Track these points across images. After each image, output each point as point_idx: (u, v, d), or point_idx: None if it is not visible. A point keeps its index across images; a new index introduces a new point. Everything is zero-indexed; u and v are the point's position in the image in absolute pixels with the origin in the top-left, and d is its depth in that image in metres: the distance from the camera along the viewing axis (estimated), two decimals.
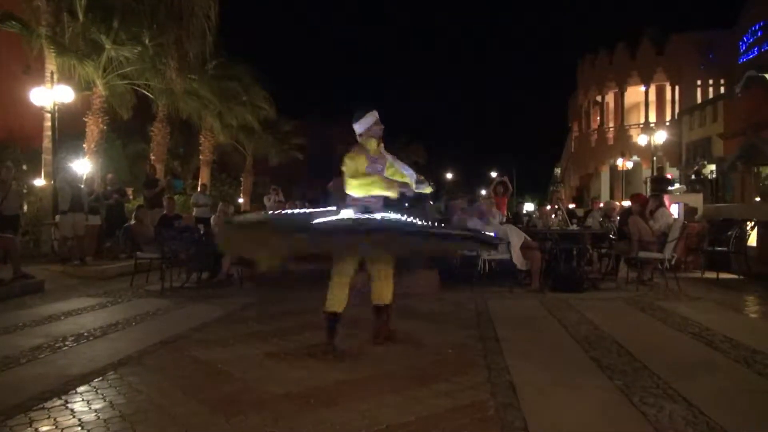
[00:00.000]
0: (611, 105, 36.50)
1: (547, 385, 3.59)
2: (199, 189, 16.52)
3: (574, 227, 9.26)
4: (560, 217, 9.21)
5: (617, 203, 15.37)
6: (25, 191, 12.74)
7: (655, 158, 25.91)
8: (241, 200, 24.73)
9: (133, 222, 9.15)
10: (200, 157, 22.22)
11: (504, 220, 9.22)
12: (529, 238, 7.93)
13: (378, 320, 4.70)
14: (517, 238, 7.82)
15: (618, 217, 9.86)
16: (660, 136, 25.90)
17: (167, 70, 14.69)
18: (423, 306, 6.61)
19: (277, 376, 3.85)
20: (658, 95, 34.08)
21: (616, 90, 34.86)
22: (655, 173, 24.24)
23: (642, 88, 33.86)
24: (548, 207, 12.08)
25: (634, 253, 7.99)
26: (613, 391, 3.48)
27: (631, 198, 9.64)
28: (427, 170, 31.77)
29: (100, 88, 14.09)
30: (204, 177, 21.31)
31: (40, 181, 13.39)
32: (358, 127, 4.53)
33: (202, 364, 4.16)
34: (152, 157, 17.79)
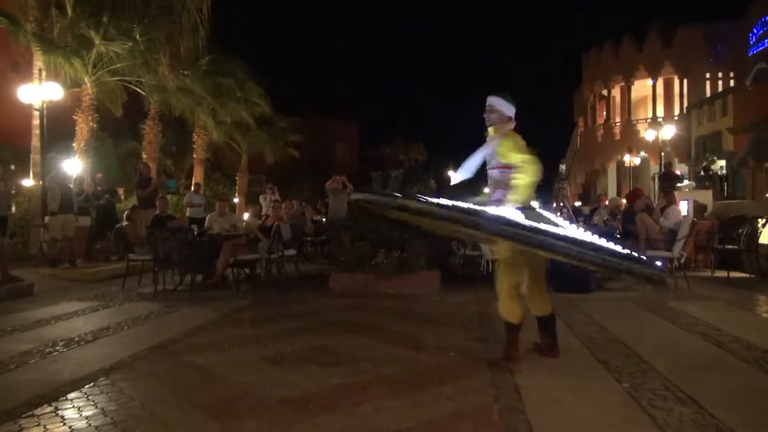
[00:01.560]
0: (618, 99, 36.50)
1: (552, 388, 3.60)
2: (192, 188, 16.51)
3: (580, 225, 9.25)
4: (565, 215, 9.21)
5: (623, 200, 15.38)
6: (13, 191, 12.74)
7: (663, 154, 25.90)
8: (236, 200, 24.73)
9: (125, 223, 9.16)
10: (193, 155, 22.21)
11: None
12: None
13: (544, 332, 4.43)
14: None
15: (622, 215, 9.87)
16: (668, 131, 25.90)
17: (159, 65, 14.67)
18: (423, 307, 6.61)
19: (274, 380, 3.84)
20: (666, 89, 34.08)
21: (623, 84, 34.86)
22: (663, 169, 24.23)
23: (649, 82, 33.85)
24: (553, 204, 12.07)
25: (640, 252, 7.98)
26: (620, 394, 3.48)
27: (628, 196, 9.64)
28: (426, 168, 31.81)
29: (88, 86, 14.07)
30: (198, 176, 21.29)
31: (28, 182, 13.40)
32: (510, 110, 4.14)
33: (196, 368, 4.16)
34: (144, 156, 17.78)
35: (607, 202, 12.03)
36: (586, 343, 4.74)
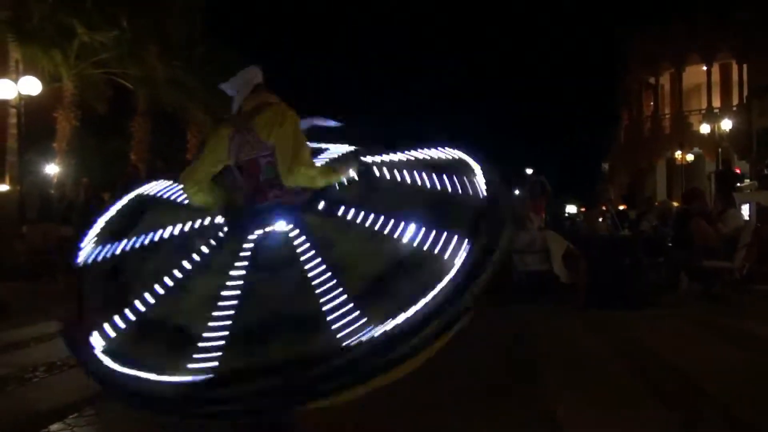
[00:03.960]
0: (667, 88, 36.21)
1: (594, 417, 3.56)
2: None
3: (626, 232, 9.19)
4: (609, 221, 9.16)
5: (674, 203, 15.23)
6: None
7: (720, 150, 25.65)
8: None
9: None
10: (187, 155, 22.40)
11: (542, 225, 9.18)
12: (572, 246, 7.88)
13: None
14: (558, 246, 7.78)
15: (674, 220, 9.78)
16: (726, 124, 25.66)
17: (147, 56, 14.85)
18: None
19: None
20: (722, 75, 33.75)
21: (673, 70, 34.59)
22: (720, 167, 23.98)
23: (703, 68, 33.55)
24: (594, 209, 12.01)
25: (696, 262, 7.91)
26: (672, 426, 3.44)
27: (685, 196, 9.53)
28: None
29: (67, 81, 14.24)
30: None
31: (3, 186, 13.59)
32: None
33: None
34: (133, 157, 17.97)
35: (656, 205, 11.94)
36: (633, 367, 4.70)
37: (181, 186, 3.12)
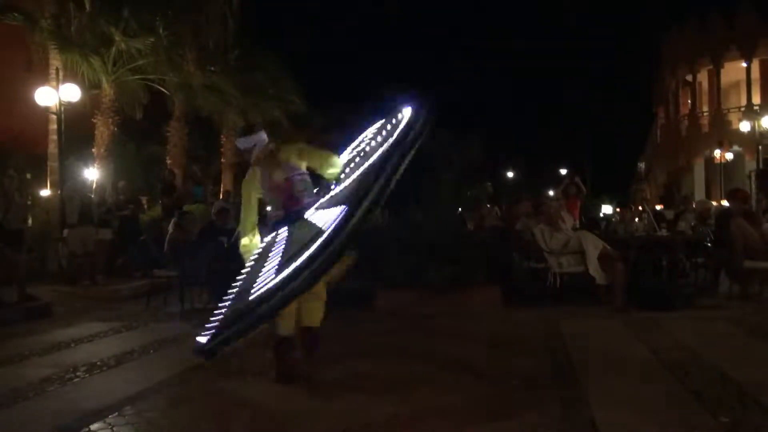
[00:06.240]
0: (705, 85, 35.53)
1: (635, 423, 3.51)
2: (221, 196, 16.81)
3: (663, 232, 9.05)
4: (645, 221, 9.02)
5: (713, 203, 14.95)
6: (29, 203, 13.22)
7: (760, 148, 25.07)
8: (269, 207, 25.07)
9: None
10: (222, 159, 22.66)
11: (577, 225, 9.08)
12: (608, 247, 7.78)
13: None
14: (593, 246, 7.68)
15: (714, 220, 9.60)
16: (766, 122, 25.08)
17: (184, 62, 15.07)
18: (482, 327, 6.56)
19: (316, 410, 3.87)
20: (763, 72, 32.98)
21: (711, 67, 33.90)
22: (761, 166, 23.44)
23: (743, 64, 32.84)
24: (631, 209, 11.84)
25: (737, 263, 7.74)
26: (715, 430, 3.37)
27: (730, 196, 9.36)
28: (483, 169, 31.53)
29: (106, 87, 14.53)
30: (227, 183, 21.70)
31: (45, 191, 13.89)
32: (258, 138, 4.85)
33: (230, 396, 4.23)
34: (169, 161, 18.24)
35: (694, 205, 11.73)
36: (674, 371, 4.60)
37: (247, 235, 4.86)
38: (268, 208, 5.21)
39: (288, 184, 4.60)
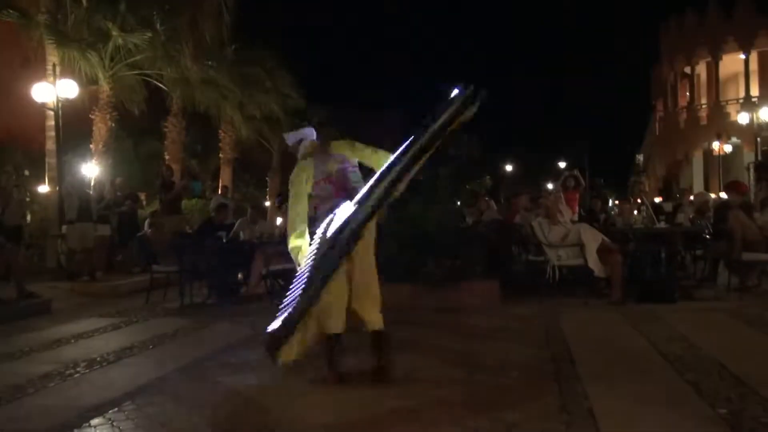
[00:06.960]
0: (703, 77, 35.50)
1: (633, 414, 3.53)
2: (219, 192, 16.80)
3: (662, 225, 9.05)
4: (644, 214, 9.02)
5: (711, 195, 14.96)
6: (27, 199, 13.22)
7: (759, 139, 25.08)
8: (267, 203, 25.04)
9: (148, 230, 9.28)
10: (220, 155, 22.62)
11: (576, 218, 9.08)
12: (607, 240, 7.78)
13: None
14: (592, 239, 7.68)
15: (713, 212, 9.61)
16: (765, 113, 25.07)
17: (181, 56, 15.03)
18: (481, 321, 6.57)
19: (317, 404, 3.89)
20: (761, 63, 32.95)
21: (709, 59, 33.89)
22: (760, 158, 23.44)
23: (741, 56, 32.82)
24: (630, 202, 11.84)
25: (735, 255, 7.75)
26: (715, 422, 3.39)
27: (727, 187, 9.37)
28: (482, 162, 31.52)
29: (103, 83, 14.49)
30: (225, 178, 21.69)
31: (44, 188, 13.87)
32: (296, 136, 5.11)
33: (229, 391, 4.24)
34: (167, 157, 18.22)
35: (692, 198, 11.73)
36: (673, 362, 4.62)
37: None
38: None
39: (341, 174, 4.65)
